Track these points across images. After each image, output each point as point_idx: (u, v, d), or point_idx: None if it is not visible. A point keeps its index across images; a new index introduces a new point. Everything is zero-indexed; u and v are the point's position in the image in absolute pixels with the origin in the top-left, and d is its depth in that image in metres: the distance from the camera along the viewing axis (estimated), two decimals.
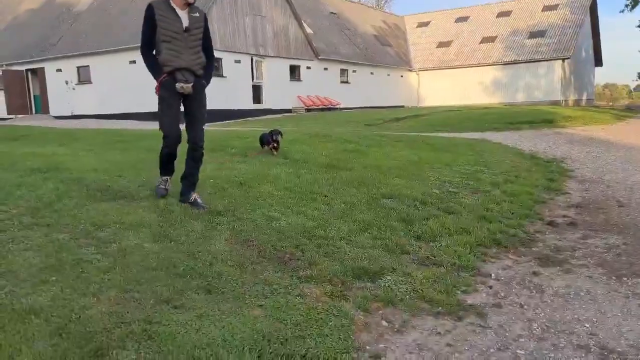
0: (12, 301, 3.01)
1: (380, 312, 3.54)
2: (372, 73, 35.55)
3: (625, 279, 4.16)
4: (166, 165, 5.09)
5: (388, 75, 37.58)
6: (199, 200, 5.03)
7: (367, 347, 3.09)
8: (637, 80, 56.91)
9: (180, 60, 4.61)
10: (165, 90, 4.69)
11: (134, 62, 23.14)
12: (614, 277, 4.19)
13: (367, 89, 34.33)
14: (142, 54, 4.67)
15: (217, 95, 22.57)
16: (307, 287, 3.72)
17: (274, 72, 27.07)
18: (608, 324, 3.40)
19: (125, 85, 23.05)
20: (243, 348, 2.82)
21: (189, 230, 4.36)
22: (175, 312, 3.11)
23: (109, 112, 23.82)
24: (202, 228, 4.43)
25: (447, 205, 6.20)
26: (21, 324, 2.78)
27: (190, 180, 5.05)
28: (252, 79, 26.02)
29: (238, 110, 24.29)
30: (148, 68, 4.68)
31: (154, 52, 4.68)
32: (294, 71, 29.02)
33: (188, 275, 3.58)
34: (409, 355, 3.04)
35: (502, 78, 36.76)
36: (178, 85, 4.66)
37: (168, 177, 5.20)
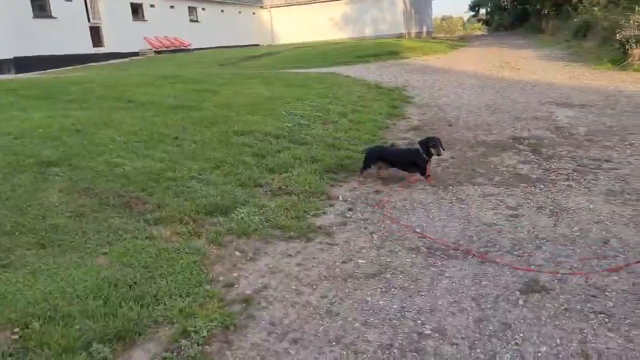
0: None
1: (234, 244, 3.60)
2: (222, 11, 34.09)
3: (451, 187, 4.69)
4: None
5: (239, 12, 36.36)
6: None
7: (221, 278, 3.14)
8: (468, 12, 62.22)
9: None
10: None
11: None
12: (442, 188, 4.70)
13: (219, 27, 32.92)
14: None
15: (47, 39, 20.11)
16: (156, 229, 3.63)
17: (113, 11, 24.62)
18: (435, 226, 3.83)
19: None
20: (86, 297, 2.70)
21: (15, 184, 3.93)
22: (4, 272, 2.85)
23: None
24: (30, 181, 4.02)
25: (298, 137, 6.35)
26: None
27: None
28: (89, 20, 23.46)
29: (76, 55, 21.87)
30: None
31: None
32: (137, 10, 26.69)
33: (17, 232, 3.27)
34: (261, 279, 3.15)
35: (350, 13, 37.60)
36: None
37: None
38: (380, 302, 2.82)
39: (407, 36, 35.26)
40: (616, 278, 2.94)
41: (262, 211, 4.12)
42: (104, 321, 2.52)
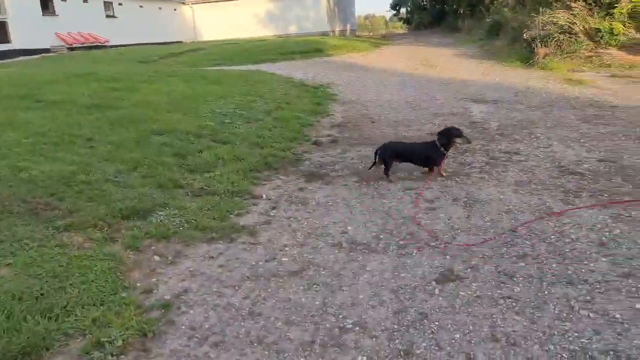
0: None
1: (152, 248, 3.47)
2: (141, 6, 32.81)
3: (373, 183, 4.78)
4: None
5: (160, 8, 35.16)
6: None
7: (138, 284, 3.02)
8: (390, 11, 63.91)
9: None
10: None
11: None
12: (364, 183, 4.79)
13: (138, 24, 31.66)
14: None
15: None
16: (67, 236, 3.43)
17: (19, 4, 23.00)
18: (356, 221, 3.90)
19: None
20: None
21: None
22: None
23: None
24: None
25: (221, 136, 6.23)
26: None
27: None
28: None
29: None
30: None
31: None
32: (47, 4, 25.11)
33: None
34: (182, 283, 3.06)
35: (274, 11, 37.49)
36: None
37: None
38: (303, 300, 2.83)
39: (331, 34, 35.64)
40: (523, 264, 3.12)
41: (182, 213, 4.01)
42: (7, 337, 2.36)
